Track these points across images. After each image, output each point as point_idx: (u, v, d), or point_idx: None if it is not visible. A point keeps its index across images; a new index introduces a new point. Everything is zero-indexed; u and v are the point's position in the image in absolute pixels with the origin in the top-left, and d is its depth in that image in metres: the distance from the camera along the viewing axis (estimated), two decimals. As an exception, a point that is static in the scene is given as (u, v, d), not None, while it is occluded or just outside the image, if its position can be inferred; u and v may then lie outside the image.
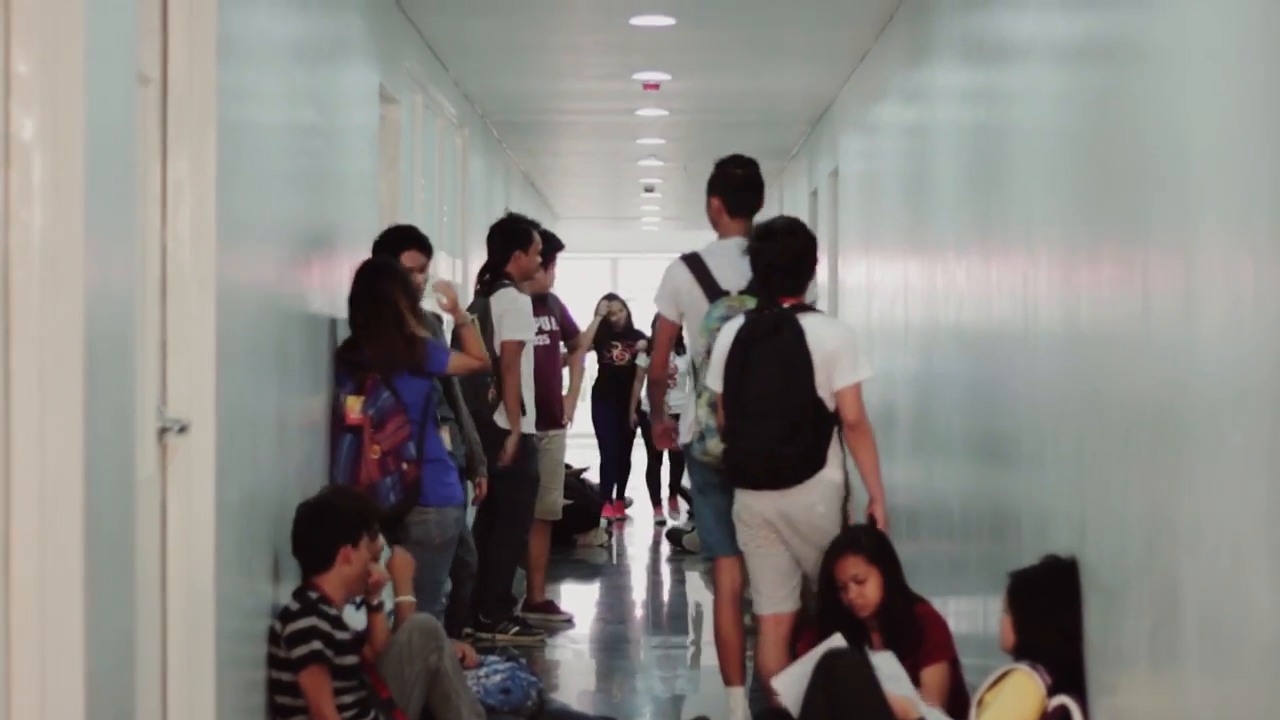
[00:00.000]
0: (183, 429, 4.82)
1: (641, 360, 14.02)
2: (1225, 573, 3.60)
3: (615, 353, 14.06)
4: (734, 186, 7.17)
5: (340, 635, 5.78)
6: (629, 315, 14.31)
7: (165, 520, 4.85)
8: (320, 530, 5.91)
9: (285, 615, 5.76)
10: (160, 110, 4.82)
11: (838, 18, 9.51)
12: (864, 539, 6.20)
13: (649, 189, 20.32)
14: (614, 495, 14.39)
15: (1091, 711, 4.73)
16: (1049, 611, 4.93)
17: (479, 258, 13.13)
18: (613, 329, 14.06)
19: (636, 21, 9.58)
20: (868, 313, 10.43)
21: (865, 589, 6.06)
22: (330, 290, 6.97)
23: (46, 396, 3.55)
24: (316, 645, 5.68)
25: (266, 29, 5.82)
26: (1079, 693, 4.78)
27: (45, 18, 3.54)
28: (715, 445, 6.63)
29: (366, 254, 7.91)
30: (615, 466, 14.32)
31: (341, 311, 7.14)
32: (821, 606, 6.23)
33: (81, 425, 3.59)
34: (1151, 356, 4.17)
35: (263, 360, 5.71)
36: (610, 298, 14.38)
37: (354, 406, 6.77)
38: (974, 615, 6.64)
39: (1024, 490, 5.68)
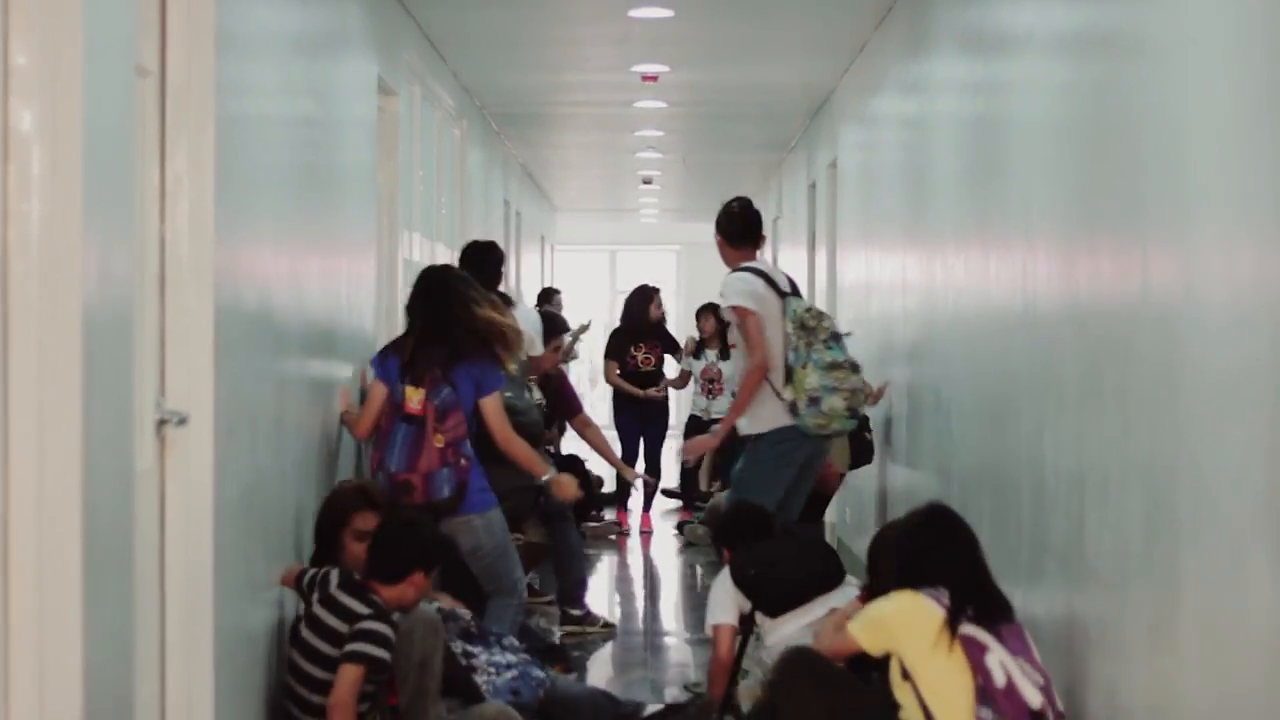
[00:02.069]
0: (181, 421, 4.82)
1: (672, 370, 13.24)
2: (1225, 565, 3.61)
3: (640, 357, 13.12)
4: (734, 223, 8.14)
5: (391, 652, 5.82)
6: (664, 314, 13.33)
7: (164, 512, 4.85)
8: (404, 547, 5.94)
9: (350, 615, 5.71)
10: (159, 102, 4.82)
11: (836, 9, 9.50)
12: None
13: (647, 181, 20.31)
14: (644, 506, 13.45)
15: (1090, 703, 4.73)
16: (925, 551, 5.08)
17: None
18: (641, 324, 13.13)
19: (635, 13, 9.58)
20: (866, 305, 10.43)
21: None
22: (329, 281, 6.98)
23: (45, 388, 3.55)
24: (382, 654, 5.67)
25: (265, 21, 5.82)
26: (994, 623, 4.85)
27: (44, 10, 3.54)
28: (834, 401, 7.63)
29: (364, 245, 7.93)
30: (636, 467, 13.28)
31: (342, 301, 7.16)
32: None
33: (80, 417, 3.59)
34: (1150, 347, 4.17)
35: (261, 352, 5.71)
36: (653, 290, 13.44)
37: (413, 397, 6.88)
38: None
39: (1023, 482, 5.68)
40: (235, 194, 5.21)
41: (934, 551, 5.06)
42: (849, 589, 6.65)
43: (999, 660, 4.73)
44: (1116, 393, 4.48)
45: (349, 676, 5.65)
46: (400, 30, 9.27)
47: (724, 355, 13.14)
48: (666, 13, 9.55)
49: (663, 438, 13.53)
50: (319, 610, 5.78)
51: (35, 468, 3.55)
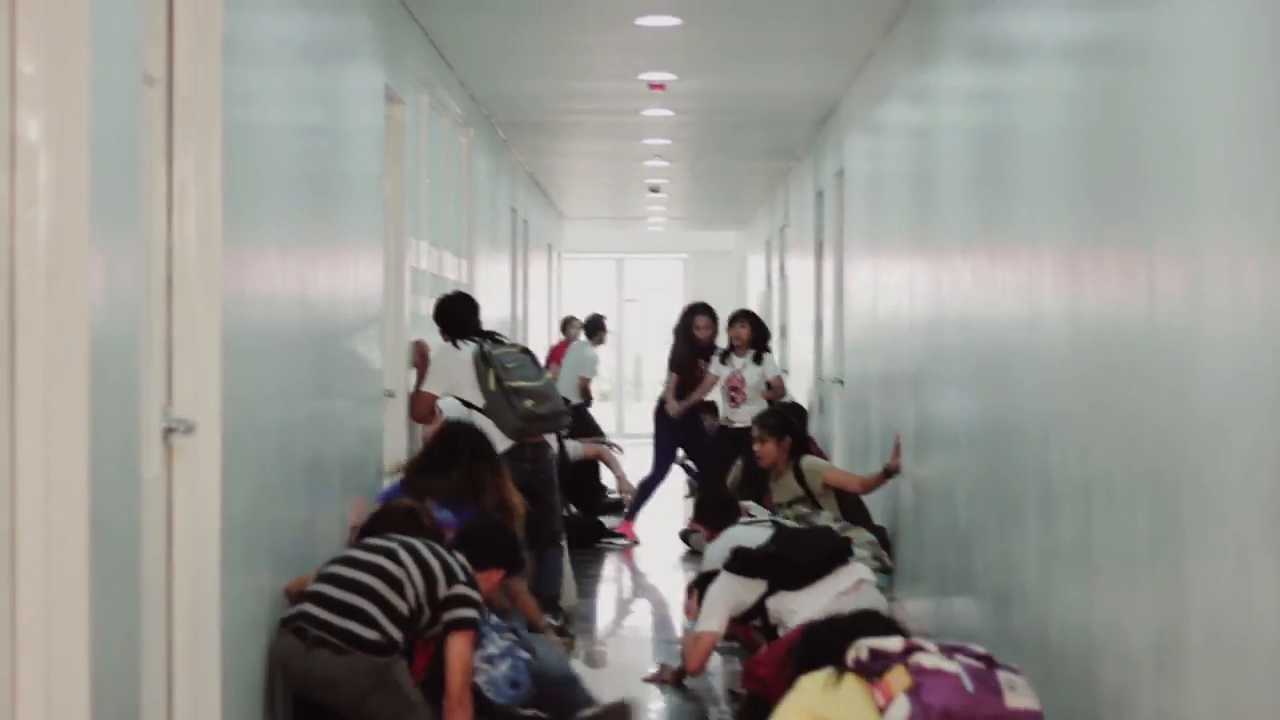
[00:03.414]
0: (189, 429, 4.83)
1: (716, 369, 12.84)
2: (1230, 573, 3.60)
3: (698, 371, 12.95)
4: None
5: None
6: (715, 331, 13.08)
7: (171, 520, 4.85)
8: (498, 542, 6.52)
9: (451, 576, 5.91)
10: (166, 111, 4.83)
11: (844, 18, 9.50)
12: None
13: (655, 189, 20.30)
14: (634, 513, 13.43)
15: (1098, 710, 4.73)
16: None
17: (484, 258, 13.17)
18: (697, 345, 13.03)
19: (642, 22, 9.58)
20: (873, 312, 10.43)
21: None
22: (336, 289, 6.98)
23: (52, 396, 3.56)
24: (475, 615, 5.94)
25: (272, 29, 5.82)
26: None
27: (51, 18, 3.55)
28: None
29: (370, 253, 7.93)
30: (659, 482, 13.36)
31: (349, 309, 7.17)
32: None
33: (87, 425, 3.59)
34: (1156, 355, 4.17)
35: (268, 360, 5.71)
36: (700, 309, 13.29)
37: None
38: (983, 614, 6.63)
39: (1030, 490, 5.67)
40: (242, 202, 5.22)
41: None
42: (858, 564, 7.16)
43: (860, 646, 4.73)
44: (1122, 400, 4.48)
45: (463, 645, 5.89)
46: (407, 38, 9.28)
47: (757, 360, 12.93)
48: (674, 21, 9.55)
49: (708, 447, 13.31)
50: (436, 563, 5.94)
51: (42, 475, 3.55)
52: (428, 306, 10.10)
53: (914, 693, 4.54)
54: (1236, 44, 3.67)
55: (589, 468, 13.32)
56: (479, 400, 8.79)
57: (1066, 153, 5.26)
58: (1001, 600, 6.16)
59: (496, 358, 8.77)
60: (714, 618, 7.29)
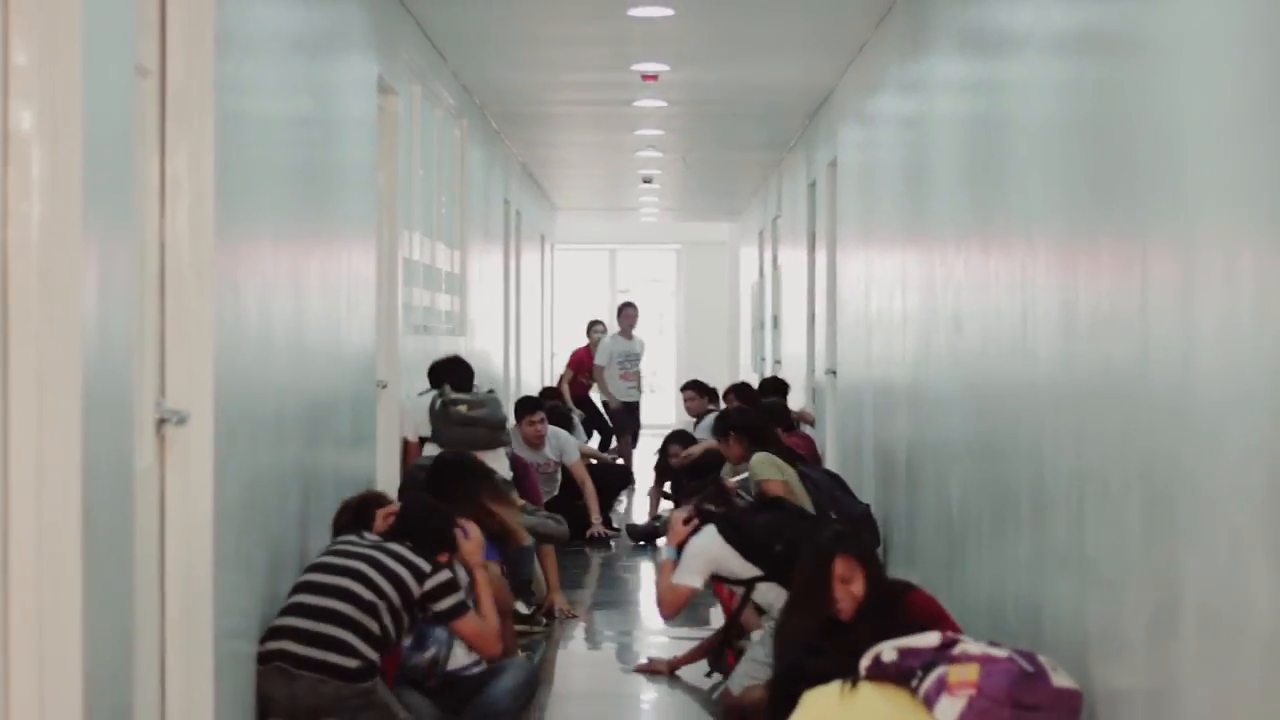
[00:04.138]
0: (181, 420, 4.82)
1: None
2: (1224, 566, 3.61)
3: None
4: None
5: None
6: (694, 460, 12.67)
7: (164, 511, 4.85)
8: (435, 526, 6.45)
9: (420, 574, 5.99)
10: (159, 102, 4.82)
11: (836, 8, 9.51)
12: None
13: (647, 180, 20.29)
14: None
15: (1092, 703, 4.74)
16: None
17: (477, 249, 13.16)
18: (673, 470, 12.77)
19: (635, 12, 9.58)
20: (866, 303, 10.43)
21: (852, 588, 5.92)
22: (329, 280, 6.98)
23: (45, 388, 3.56)
24: (459, 597, 6.09)
25: (265, 20, 5.82)
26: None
27: (44, 10, 3.54)
28: None
29: (364, 244, 7.92)
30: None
31: (342, 300, 7.17)
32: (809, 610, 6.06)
33: (79, 417, 3.59)
34: (1150, 348, 4.17)
35: (261, 351, 5.71)
36: (677, 437, 13.12)
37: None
38: (975, 609, 6.64)
39: (1023, 482, 5.68)
40: (235, 193, 5.22)
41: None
42: None
43: (881, 649, 4.75)
44: (1116, 391, 4.48)
45: (467, 624, 6.16)
46: (400, 29, 9.27)
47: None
48: (666, 11, 9.55)
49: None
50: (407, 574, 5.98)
51: (35, 467, 3.55)
52: (420, 298, 10.13)
53: (976, 684, 4.48)
54: (1230, 34, 3.68)
55: (595, 470, 13.40)
56: (427, 429, 9.20)
57: (1060, 144, 5.26)
58: (995, 591, 6.17)
59: (453, 396, 9.22)
60: (695, 574, 7.20)
